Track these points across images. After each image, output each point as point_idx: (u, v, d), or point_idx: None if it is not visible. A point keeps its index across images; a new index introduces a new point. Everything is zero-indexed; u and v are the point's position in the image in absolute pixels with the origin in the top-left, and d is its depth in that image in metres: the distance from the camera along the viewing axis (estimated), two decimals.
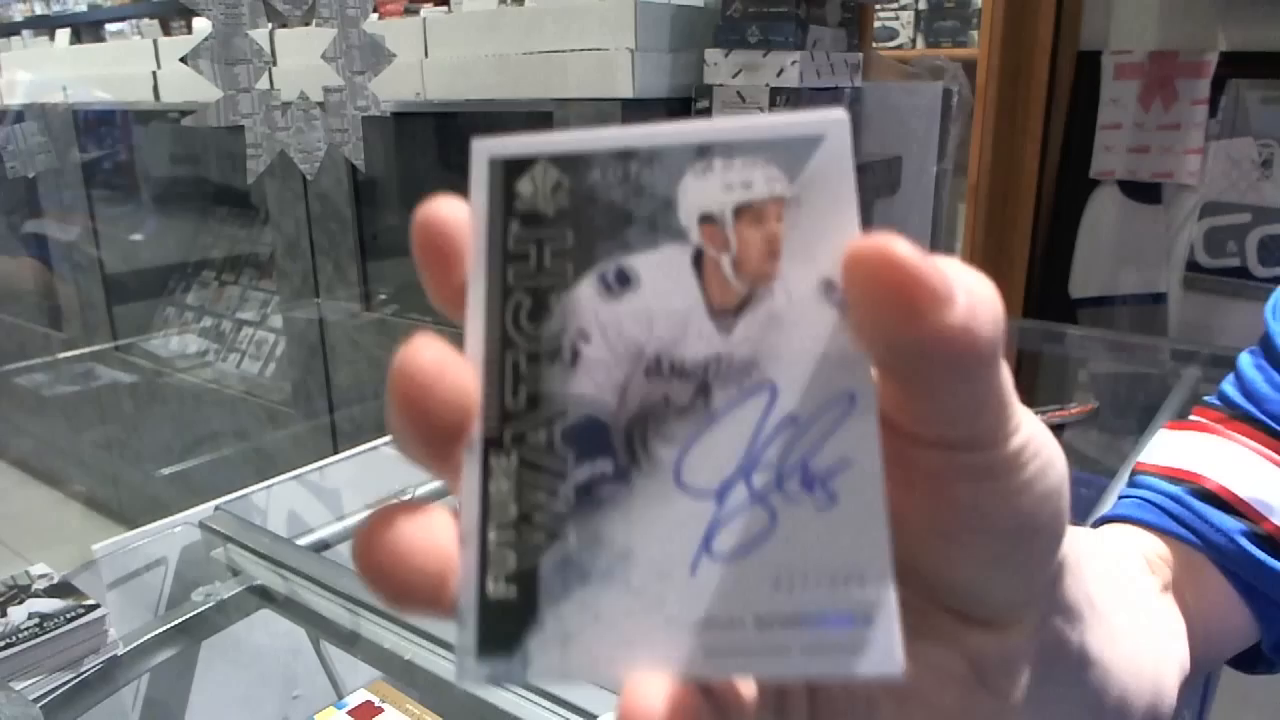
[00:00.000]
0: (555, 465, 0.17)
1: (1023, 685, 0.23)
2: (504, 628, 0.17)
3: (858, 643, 0.16)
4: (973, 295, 0.16)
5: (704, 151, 0.17)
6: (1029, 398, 0.20)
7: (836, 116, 0.17)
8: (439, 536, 0.17)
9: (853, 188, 0.17)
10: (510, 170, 0.18)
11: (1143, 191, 1.64)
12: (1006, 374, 0.18)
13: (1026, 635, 0.23)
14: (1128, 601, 0.33)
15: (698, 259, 0.17)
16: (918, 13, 2.78)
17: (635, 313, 0.17)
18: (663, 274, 0.17)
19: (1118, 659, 0.28)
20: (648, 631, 0.17)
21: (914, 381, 0.17)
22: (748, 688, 0.19)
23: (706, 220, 0.17)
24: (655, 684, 0.16)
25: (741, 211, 0.17)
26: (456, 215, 0.18)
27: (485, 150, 0.18)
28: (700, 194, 0.17)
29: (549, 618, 0.17)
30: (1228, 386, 0.43)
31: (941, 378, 0.17)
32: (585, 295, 0.17)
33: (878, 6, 2.50)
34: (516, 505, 0.17)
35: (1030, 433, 0.19)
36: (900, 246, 0.16)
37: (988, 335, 0.16)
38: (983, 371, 0.17)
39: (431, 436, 0.17)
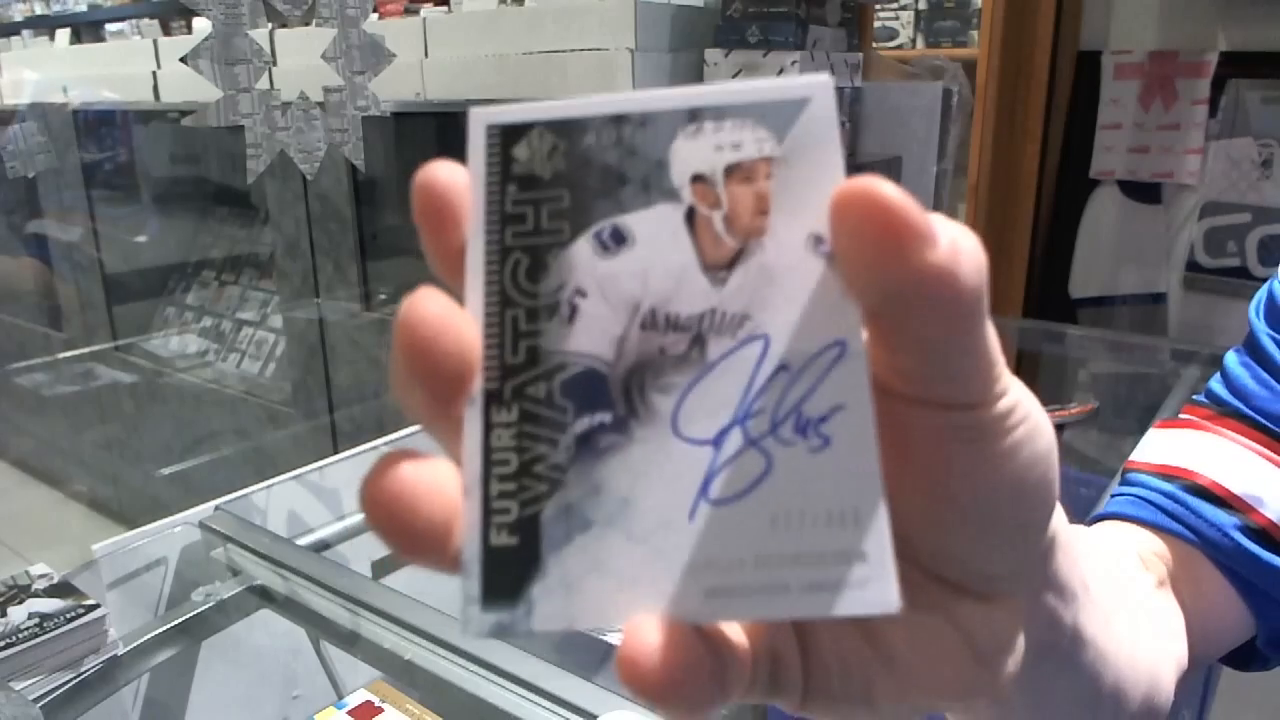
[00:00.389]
0: (555, 417, 0.17)
1: (1016, 660, 0.23)
2: (508, 576, 0.17)
3: (854, 580, 0.17)
4: (956, 241, 0.17)
5: (695, 115, 0.18)
6: None
7: (821, 80, 0.18)
8: (444, 484, 0.17)
9: (838, 147, 0.18)
10: (507, 136, 0.18)
11: (1143, 191, 1.64)
12: (993, 335, 0.18)
13: (1020, 610, 0.23)
14: (1124, 596, 0.34)
15: (690, 217, 0.18)
16: (918, 13, 2.77)
17: (631, 269, 0.18)
18: (657, 232, 0.18)
19: (1112, 645, 0.28)
20: (649, 577, 0.17)
21: (901, 329, 0.17)
22: (743, 642, 0.19)
23: (698, 180, 0.18)
24: (654, 626, 0.16)
25: (732, 171, 0.18)
26: (455, 179, 0.18)
27: (482, 118, 0.19)
28: (691, 155, 0.18)
29: (552, 566, 0.17)
30: (1215, 384, 0.43)
31: (926, 322, 0.17)
32: (582, 253, 0.18)
33: (877, 6, 2.50)
34: (518, 457, 0.17)
35: (1018, 397, 0.19)
36: (885, 187, 0.16)
37: (971, 281, 0.17)
38: (967, 319, 0.17)
39: (436, 388, 0.17)
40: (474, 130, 0.19)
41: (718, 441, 0.17)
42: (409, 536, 0.17)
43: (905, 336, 0.17)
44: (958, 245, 0.17)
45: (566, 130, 0.18)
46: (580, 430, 0.17)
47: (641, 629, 0.16)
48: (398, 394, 0.18)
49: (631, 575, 0.17)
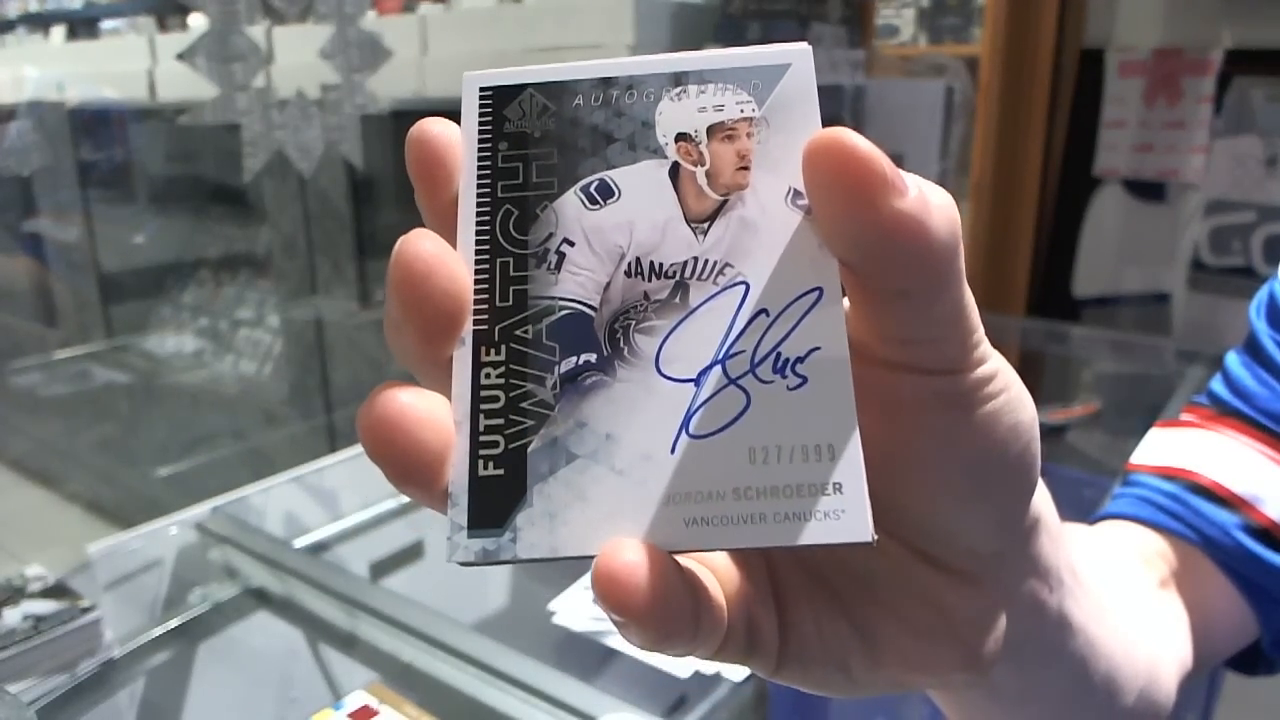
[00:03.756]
0: (542, 357, 0.18)
1: (996, 641, 0.23)
2: (494, 505, 0.18)
3: (829, 512, 0.17)
4: (926, 193, 0.17)
5: (679, 79, 0.19)
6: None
7: (800, 48, 0.19)
8: (440, 415, 0.18)
9: (816, 110, 0.19)
10: (499, 97, 0.20)
11: (1147, 190, 1.64)
12: (971, 303, 0.19)
13: (1002, 591, 0.23)
14: (1122, 590, 0.34)
15: (674, 172, 0.19)
16: (920, 9, 2.77)
17: (617, 220, 0.19)
18: (642, 186, 0.19)
19: (1105, 636, 0.28)
20: (631, 507, 0.18)
21: (876, 283, 0.18)
22: (720, 598, 0.20)
23: (682, 138, 0.19)
24: (636, 546, 0.17)
25: (714, 130, 0.19)
26: (448, 134, 0.19)
27: (476, 80, 0.20)
28: (676, 116, 0.19)
29: (537, 497, 0.18)
30: (1216, 385, 0.44)
31: (898, 273, 0.17)
32: (570, 205, 0.19)
33: (879, 3, 2.50)
34: (505, 394, 0.18)
35: (999, 366, 0.20)
36: (854, 137, 0.17)
37: (941, 233, 0.17)
38: (939, 274, 0.17)
39: (428, 325, 0.18)
40: (468, 92, 0.20)
41: (699, 380, 0.18)
42: (405, 463, 0.17)
43: (880, 291, 0.18)
44: (927, 197, 0.17)
45: (557, 92, 0.20)
46: (566, 370, 0.18)
47: (622, 547, 0.17)
48: (390, 335, 0.18)
49: (613, 506, 0.18)
